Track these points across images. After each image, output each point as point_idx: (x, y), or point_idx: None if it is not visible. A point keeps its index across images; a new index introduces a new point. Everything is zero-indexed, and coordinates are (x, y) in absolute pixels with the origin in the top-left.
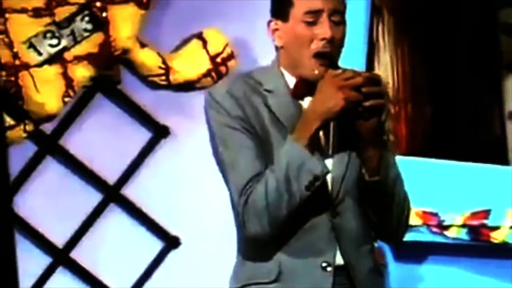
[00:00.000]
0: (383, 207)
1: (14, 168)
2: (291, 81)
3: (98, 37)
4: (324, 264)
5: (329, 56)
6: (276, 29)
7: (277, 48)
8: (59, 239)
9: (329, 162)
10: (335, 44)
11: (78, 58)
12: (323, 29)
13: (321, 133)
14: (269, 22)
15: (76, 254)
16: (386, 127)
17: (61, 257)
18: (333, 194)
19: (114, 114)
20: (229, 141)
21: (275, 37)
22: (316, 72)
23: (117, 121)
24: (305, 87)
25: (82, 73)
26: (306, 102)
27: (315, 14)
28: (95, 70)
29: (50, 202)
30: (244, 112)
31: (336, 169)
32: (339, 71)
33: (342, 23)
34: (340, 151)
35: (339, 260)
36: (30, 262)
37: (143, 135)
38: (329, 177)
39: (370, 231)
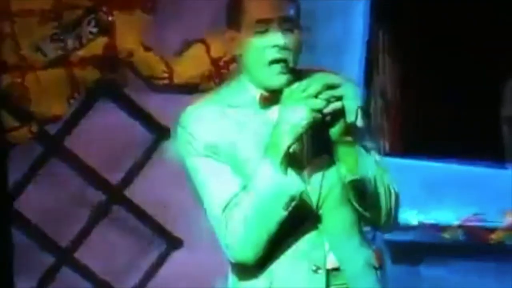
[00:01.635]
0: (370, 203)
1: (19, 169)
2: (255, 90)
3: (104, 40)
4: (314, 268)
5: (283, 62)
6: (232, 39)
7: (237, 57)
8: (64, 239)
9: (305, 172)
10: (289, 51)
11: (83, 61)
12: (275, 37)
13: (293, 146)
14: (225, 32)
15: (80, 255)
16: (358, 124)
17: (65, 257)
18: (314, 200)
19: (118, 116)
20: (200, 169)
21: (232, 47)
22: (275, 82)
23: (121, 123)
24: (270, 96)
25: (87, 75)
26: (273, 111)
27: (266, 23)
28: (100, 72)
29: (54, 202)
30: (212, 136)
31: (314, 176)
32: (294, 86)
33: (295, 30)
34: (315, 158)
35: (331, 261)
36: (34, 261)
37: (146, 137)
38: (308, 186)
39: (358, 225)
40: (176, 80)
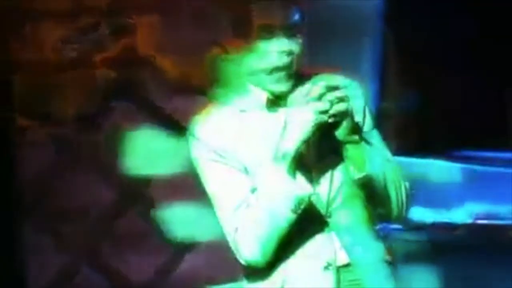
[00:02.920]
0: (380, 200)
1: (36, 168)
2: (261, 94)
3: (122, 43)
4: (325, 265)
5: (288, 67)
6: (239, 45)
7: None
8: (78, 239)
9: (314, 173)
10: (294, 56)
11: (102, 63)
12: (280, 43)
13: (301, 148)
14: (229, 41)
15: (97, 253)
16: (365, 123)
17: (82, 256)
18: (323, 199)
19: (136, 117)
20: (211, 174)
21: (238, 53)
22: (280, 87)
23: (139, 124)
24: (276, 99)
25: (105, 77)
26: (280, 113)
27: (270, 29)
28: (118, 74)
29: (71, 201)
30: (221, 140)
31: (323, 176)
32: (298, 90)
33: (298, 35)
34: (323, 158)
35: (343, 258)
36: (51, 260)
37: (164, 138)
38: (317, 186)
39: (369, 221)
40: (194, 82)
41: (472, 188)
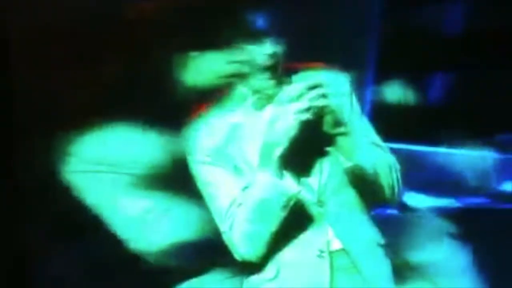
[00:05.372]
0: (373, 185)
1: (38, 168)
2: (247, 94)
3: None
4: (318, 253)
5: (274, 68)
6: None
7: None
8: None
9: (303, 167)
10: (278, 58)
11: (110, 62)
12: (264, 46)
13: (288, 146)
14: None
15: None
16: (352, 113)
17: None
18: (314, 190)
19: (138, 116)
20: (205, 175)
21: (225, 56)
22: (268, 88)
23: (141, 124)
24: (262, 99)
25: (109, 74)
26: (267, 113)
27: (256, 33)
28: (122, 72)
29: (72, 201)
30: (212, 144)
31: (312, 169)
32: (281, 92)
33: (281, 37)
34: (311, 152)
35: (336, 245)
36: (53, 259)
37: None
38: (308, 179)
39: (361, 207)
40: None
41: (466, 173)
